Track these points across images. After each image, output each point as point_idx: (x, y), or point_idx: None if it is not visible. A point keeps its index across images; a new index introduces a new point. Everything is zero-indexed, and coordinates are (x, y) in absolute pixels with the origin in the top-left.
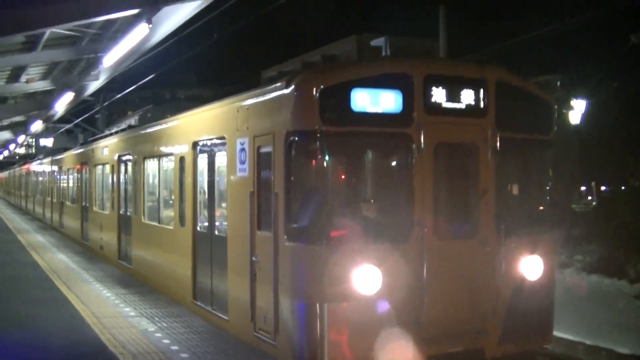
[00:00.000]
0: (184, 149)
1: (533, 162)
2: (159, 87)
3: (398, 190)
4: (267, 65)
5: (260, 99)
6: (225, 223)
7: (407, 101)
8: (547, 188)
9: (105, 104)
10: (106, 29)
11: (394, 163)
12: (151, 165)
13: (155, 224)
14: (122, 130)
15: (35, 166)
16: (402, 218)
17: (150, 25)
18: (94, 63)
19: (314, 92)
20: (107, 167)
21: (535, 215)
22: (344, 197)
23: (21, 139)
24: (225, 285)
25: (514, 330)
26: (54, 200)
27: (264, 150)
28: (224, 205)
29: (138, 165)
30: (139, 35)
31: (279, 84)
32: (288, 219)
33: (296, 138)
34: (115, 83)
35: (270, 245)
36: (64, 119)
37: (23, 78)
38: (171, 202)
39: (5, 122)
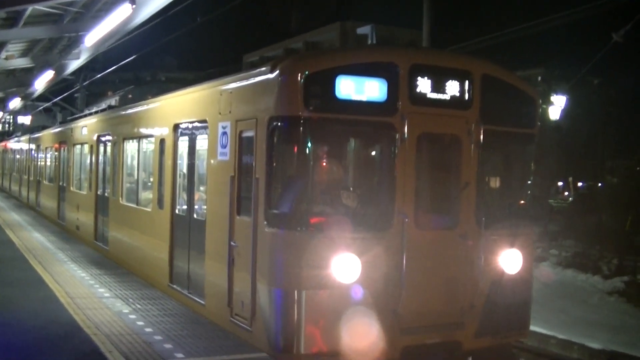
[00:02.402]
0: (164, 131)
1: (516, 156)
2: (139, 69)
3: (380, 179)
4: (249, 51)
5: (244, 83)
6: (205, 207)
7: (392, 90)
8: (529, 182)
9: (85, 83)
10: (89, 7)
11: (376, 152)
12: (131, 147)
13: (134, 205)
14: (103, 110)
15: (12, 143)
16: (383, 207)
17: (134, 6)
18: (75, 42)
19: (299, 78)
20: (86, 147)
21: (515, 209)
22: (325, 185)
23: None
24: (202, 269)
25: (491, 324)
26: (31, 178)
27: (246, 135)
28: (203, 189)
29: (117, 146)
30: (122, 15)
31: (263, 69)
32: (268, 205)
33: (279, 123)
34: (96, 63)
35: (250, 230)
36: (42, 97)
37: (2, 54)
38: (150, 184)
39: None
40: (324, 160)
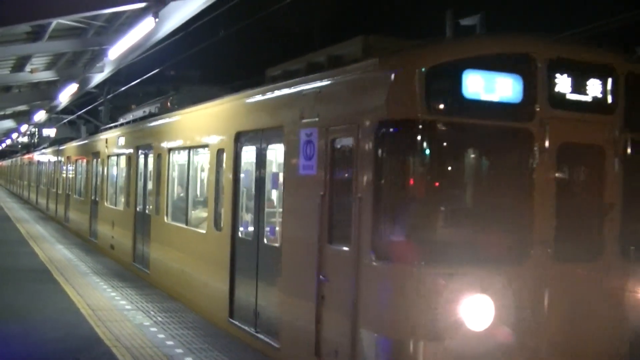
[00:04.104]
0: (223, 140)
1: None
2: (163, 83)
3: (515, 200)
4: (271, 64)
5: (339, 81)
6: (279, 230)
7: (528, 89)
8: None
9: (109, 96)
10: (112, 21)
11: (510, 166)
12: (178, 159)
13: (182, 225)
14: (141, 118)
15: (39, 155)
16: (519, 235)
17: (157, 20)
18: (99, 55)
19: (417, 73)
20: (123, 159)
21: None
22: (450, 207)
23: (24, 128)
24: (275, 305)
25: None
26: (59, 192)
27: (341, 144)
28: (276, 209)
29: (161, 158)
30: (145, 29)
31: (368, 63)
32: (376, 232)
33: (390, 130)
34: (119, 76)
35: (348, 263)
36: (67, 110)
37: (27, 68)
38: (203, 201)
39: (9, 111)
40: (448, 176)
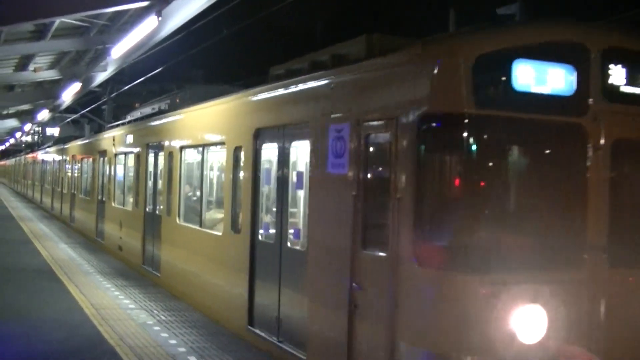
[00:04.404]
0: (241, 137)
1: None
2: (166, 81)
3: (567, 202)
4: (275, 63)
5: (374, 72)
6: (304, 233)
7: (581, 81)
8: None
9: (112, 95)
10: (115, 20)
11: (562, 165)
12: (191, 157)
13: (195, 227)
14: (151, 115)
15: (43, 154)
16: (573, 240)
17: (160, 18)
18: (102, 54)
19: (464, 63)
20: (131, 158)
21: None
22: (498, 210)
23: (27, 127)
24: (301, 313)
25: None
26: (64, 191)
27: (376, 140)
28: (300, 210)
29: (173, 156)
30: (148, 28)
31: (408, 52)
32: (418, 236)
33: (433, 124)
34: (123, 75)
35: (385, 270)
36: (70, 109)
37: (31, 67)
38: (218, 202)
39: (12, 110)
40: (497, 175)
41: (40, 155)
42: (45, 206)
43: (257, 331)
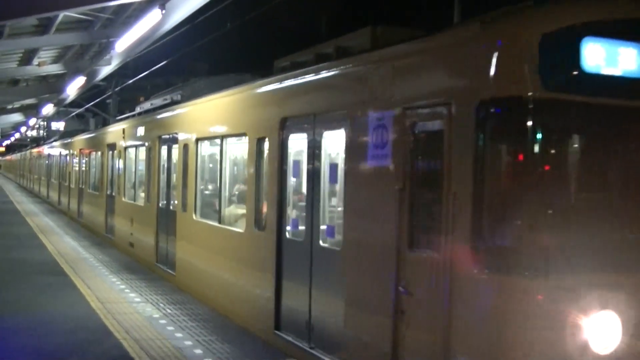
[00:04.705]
0: (265, 127)
1: None
2: (171, 75)
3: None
4: (279, 56)
5: (424, 53)
6: (340, 231)
7: None
8: None
9: (117, 89)
10: (119, 13)
11: (636, 155)
12: (208, 149)
13: (214, 223)
14: (163, 106)
15: (49, 148)
16: None
17: (164, 11)
18: (106, 48)
19: (528, 41)
20: (143, 151)
21: None
22: (569, 205)
23: (32, 121)
24: (336, 318)
25: None
26: (72, 186)
27: (425, 128)
28: (334, 206)
29: (188, 149)
30: (152, 21)
31: (466, 30)
32: (478, 235)
33: (495, 110)
34: (127, 69)
35: (438, 273)
36: (75, 103)
37: (35, 61)
38: (239, 196)
39: (17, 105)
40: (566, 166)
41: (46, 149)
42: (52, 201)
43: (285, 336)
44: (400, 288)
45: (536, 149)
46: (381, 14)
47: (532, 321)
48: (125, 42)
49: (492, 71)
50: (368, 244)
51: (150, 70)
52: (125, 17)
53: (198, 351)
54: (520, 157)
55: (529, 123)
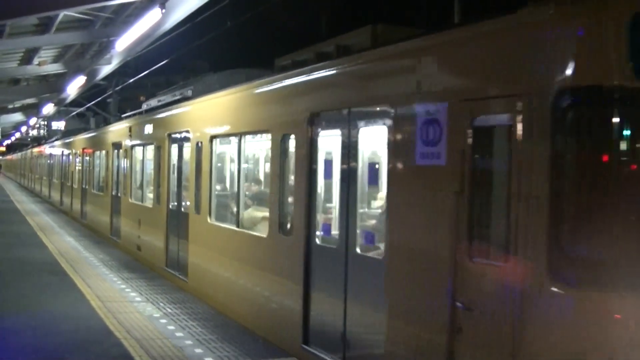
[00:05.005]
0: (291, 123)
1: None
2: (171, 74)
3: None
4: (280, 54)
5: (484, 37)
6: (381, 238)
7: None
8: None
9: (117, 88)
10: (120, 12)
11: None
12: (225, 148)
13: (231, 227)
14: (173, 103)
15: (51, 147)
16: None
17: (164, 10)
18: (106, 47)
19: (615, 22)
20: (151, 149)
21: None
22: None
23: (33, 121)
24: (377, 334)
25: None
26: (74, 186)
27: (487, 123)
28: (374, 210)
29: (202, 147)
30: (152, 20)
31: (537, 10)
32: (556, 245)
33: (576, 101)
34: (128, 68)
35: (505, 286)
36: (76, 103)
37: (35, 60)
38: (260, 198)
39: (17, 104)
40: None
41: (47, 148)
42: (53, 201)
43: (315, 351)
44: (457, 303)
45: (623, 146)
46: (381, 13)
47: (621, 347)
48: (125, 41)
49: (572, 57)
50: (418, 253)
51: (151, 69)
52: (125, 16)
53: (198, 350)
54: (605, 155)
55: (618, 115)
